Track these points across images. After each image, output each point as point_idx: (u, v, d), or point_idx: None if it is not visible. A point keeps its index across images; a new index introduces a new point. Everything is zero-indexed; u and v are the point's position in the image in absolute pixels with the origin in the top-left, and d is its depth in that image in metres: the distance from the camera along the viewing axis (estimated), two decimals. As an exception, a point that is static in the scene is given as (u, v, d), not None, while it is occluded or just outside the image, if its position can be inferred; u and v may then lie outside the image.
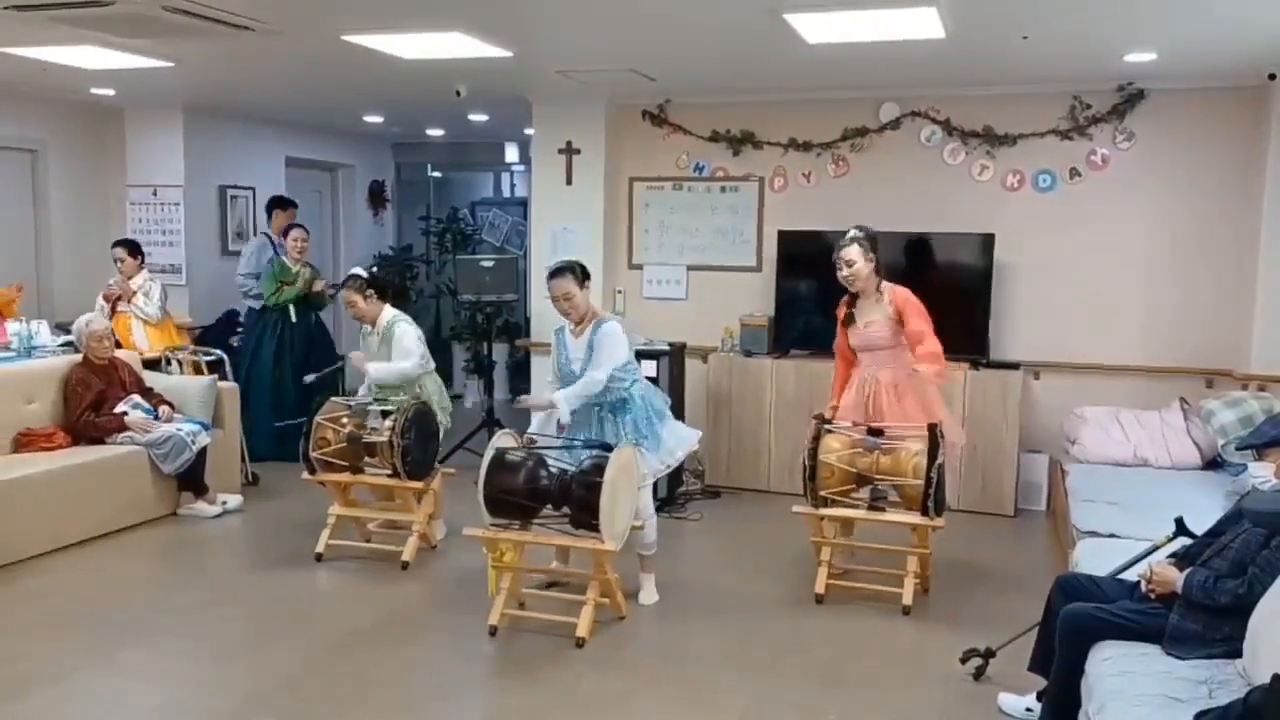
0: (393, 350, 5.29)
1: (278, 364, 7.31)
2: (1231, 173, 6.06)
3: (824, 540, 4.77)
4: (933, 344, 4.67)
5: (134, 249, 7.05)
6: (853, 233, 4.79)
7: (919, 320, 4.68)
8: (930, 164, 6.58)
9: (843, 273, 4.77)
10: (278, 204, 7.88)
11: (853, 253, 4.72)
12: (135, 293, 6.95)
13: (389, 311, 5.39)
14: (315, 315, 7.60)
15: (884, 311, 4.76)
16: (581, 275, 4.57)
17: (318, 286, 7.47)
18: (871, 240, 4.77)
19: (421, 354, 5.35)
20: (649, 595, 4.70)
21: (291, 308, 7.35)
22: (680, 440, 4.76)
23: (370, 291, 5.32)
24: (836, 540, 4.89)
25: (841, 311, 4.92)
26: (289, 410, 7.08)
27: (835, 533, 4.90)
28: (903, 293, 4.77)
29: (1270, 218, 5.75)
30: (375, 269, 5.98)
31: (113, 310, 6.86)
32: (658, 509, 6.11)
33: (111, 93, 7.36)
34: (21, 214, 7.80)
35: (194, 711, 3.65)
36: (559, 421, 4.54)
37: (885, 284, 4.79)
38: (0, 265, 7.39)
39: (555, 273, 4.59)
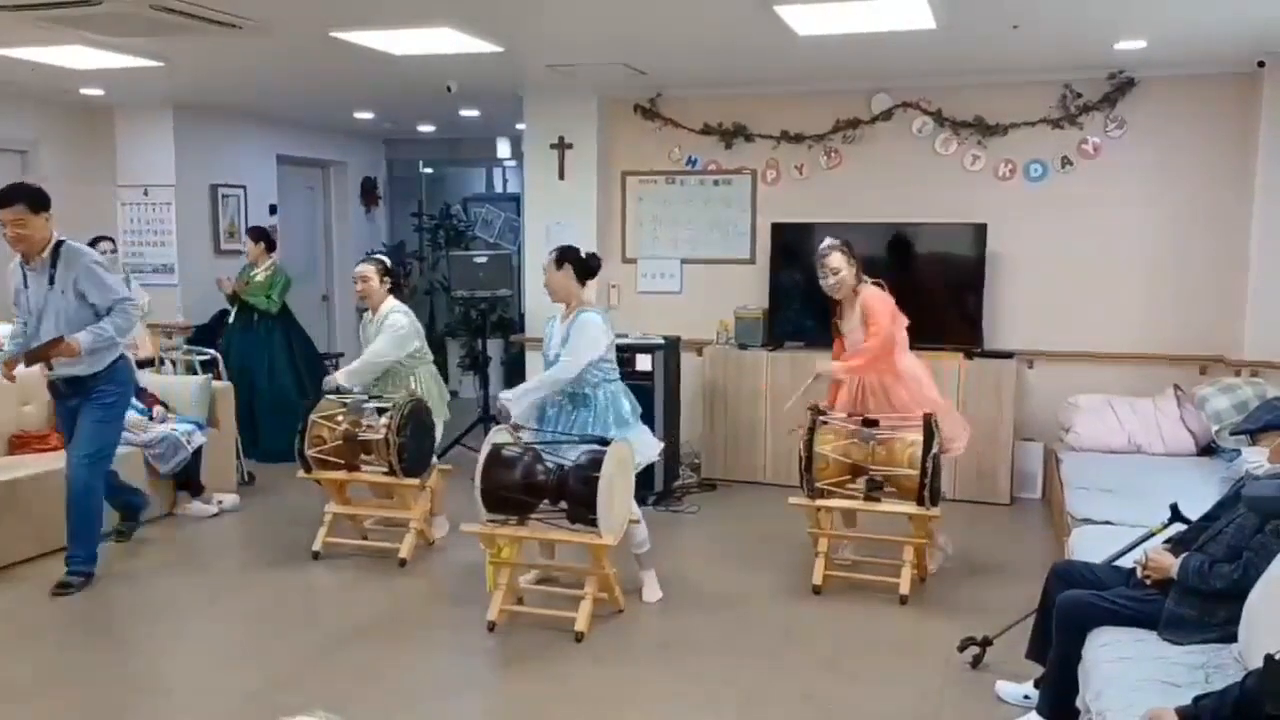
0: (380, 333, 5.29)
1: (228, 367, 7.06)
2: (1222, 159, 6.07)
3: (821, 531, 4.78)
4: (868, 348, 4.68)
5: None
6: (830, 240, 4.80)
7: (874, 322, 4.68)
8: (922, 154, 6.58)
9: (827, 280, 4.77)
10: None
11: (836, 260, 4.73)
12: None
13: (391, 301, 5.41)
14: (256, 315, 7.41)
15: (858, 318, 4.79)
16: (561, 259, 4.55)
17: (227, 288, 7.52)
18: (849, 246, 4.78)
19: (417, 344, 5.38)
20: (652, 592, 4.66)
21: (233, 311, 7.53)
22: (639, 450, 4.50)
23: (387, 279, 5.39)
24: (834, 531, 4.91)
25: (834, 322, 4.97)
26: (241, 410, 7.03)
27: (830, 524, 4.91)
28: (870, 293, 4.77)
29: (1261, 203, 5.78)
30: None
31: None
32: (654, 503, 6.16)
33: (101, 92, 7.33)
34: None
35: (194, 710, 3.65)
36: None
37: (861, 286, 4.79)
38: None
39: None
